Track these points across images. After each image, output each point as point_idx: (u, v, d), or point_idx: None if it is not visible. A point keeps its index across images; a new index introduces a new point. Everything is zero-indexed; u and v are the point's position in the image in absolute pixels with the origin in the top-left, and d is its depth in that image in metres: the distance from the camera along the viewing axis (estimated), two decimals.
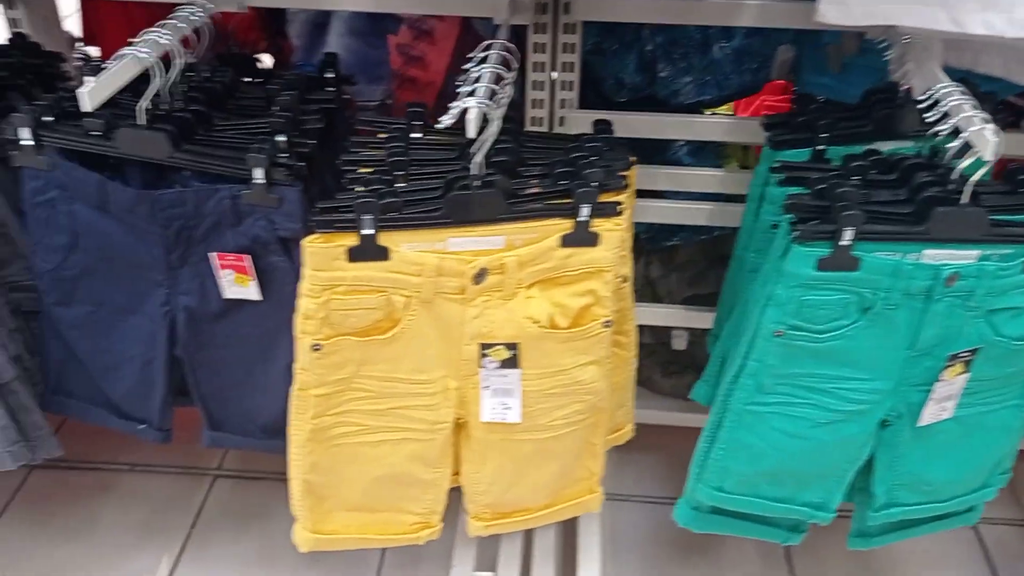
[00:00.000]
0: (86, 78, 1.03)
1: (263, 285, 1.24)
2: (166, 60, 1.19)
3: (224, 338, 1.30)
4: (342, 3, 1.44)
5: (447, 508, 1.30)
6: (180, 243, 1.22)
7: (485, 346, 1.13)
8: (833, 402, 1.12)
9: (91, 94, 1.03)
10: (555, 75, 1.41)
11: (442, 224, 1.07)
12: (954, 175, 1.07)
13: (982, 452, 1.23)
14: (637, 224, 1.37)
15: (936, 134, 1.07)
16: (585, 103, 1.45)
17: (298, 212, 1.18)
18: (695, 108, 1.57)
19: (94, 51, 1.92)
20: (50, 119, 1.20)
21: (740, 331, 1.15)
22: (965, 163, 1.04)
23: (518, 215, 1.08)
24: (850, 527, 1.32)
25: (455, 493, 1.30)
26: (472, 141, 1.12)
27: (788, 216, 1.09)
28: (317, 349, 1.10)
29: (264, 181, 1.15)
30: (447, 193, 1.07)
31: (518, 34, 1.32)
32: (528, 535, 1.53)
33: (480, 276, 1.09)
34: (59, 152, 1.22)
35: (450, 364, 1.15)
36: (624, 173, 1.15)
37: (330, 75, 1.40)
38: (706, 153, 1.63)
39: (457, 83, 1.10)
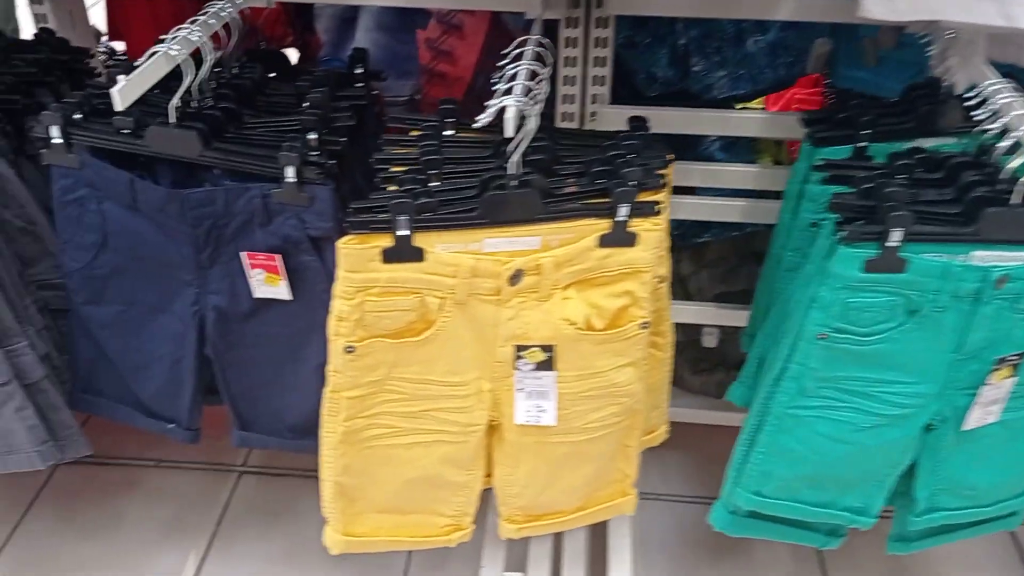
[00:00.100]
0: (119, 77, 1.01)
1: (293, 284, 1.22)
2: (195, 56, 1.17)
3: (254, 338, 1.29)
4: None
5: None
6: (210, 242, 1.21)
7: (520, 348, 1.12)
8: (877, 406, 1.10)
9: (122, 93, 1.02)
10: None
11: (478, 225, 1.05)
12: (1003, 174, 1.04)
13: None
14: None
15: (983, 131, 1.04)
16: (615, 97, 1.42)
17: (329, 211, 1.16)
18: (727, 102, 1.55)
19: (119, 46, 1.91)
20: (79, 116, 1.19)
21: (780, 332, 1.13)
22: (1016, 162, 1.01)
23: (555, 215, 1.06)
24: (885, 528, 1.29)
25: (484, 493, 1.29)
26: (507, 139, 1.11)
27: (830, 215, 1.07)
28: (350, 351, 1.08)
29: (295, 180, 1.13)
30: (483, 193, 1.05)
31: (549, 28, 1.30)
32: (558, 535, 1.52)
33: (516, 277, 1.07)
34: (88, 150, 1.20)
35: (484, 366, 1.14)
36: (662, 171, 1.13)
37: (359, 71, 1.39)
38: (739, 148, 1.60)
39: (492, 80, 1.08)
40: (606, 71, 1.40)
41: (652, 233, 1.09)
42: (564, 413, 1.16)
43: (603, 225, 1.08)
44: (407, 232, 1.02)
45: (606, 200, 1.07)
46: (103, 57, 1.59)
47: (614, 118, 1.42)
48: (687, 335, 1.78)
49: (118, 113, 1.13)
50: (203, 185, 1.22)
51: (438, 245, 1.05)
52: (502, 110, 1.00)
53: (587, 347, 1.12)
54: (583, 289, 1.11)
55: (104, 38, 1.89)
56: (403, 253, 1.04)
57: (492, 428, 1.20)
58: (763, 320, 1.36)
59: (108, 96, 1.18)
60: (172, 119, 1.15)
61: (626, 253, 1.09)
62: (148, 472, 1.84)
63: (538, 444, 1.19)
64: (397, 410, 1.15)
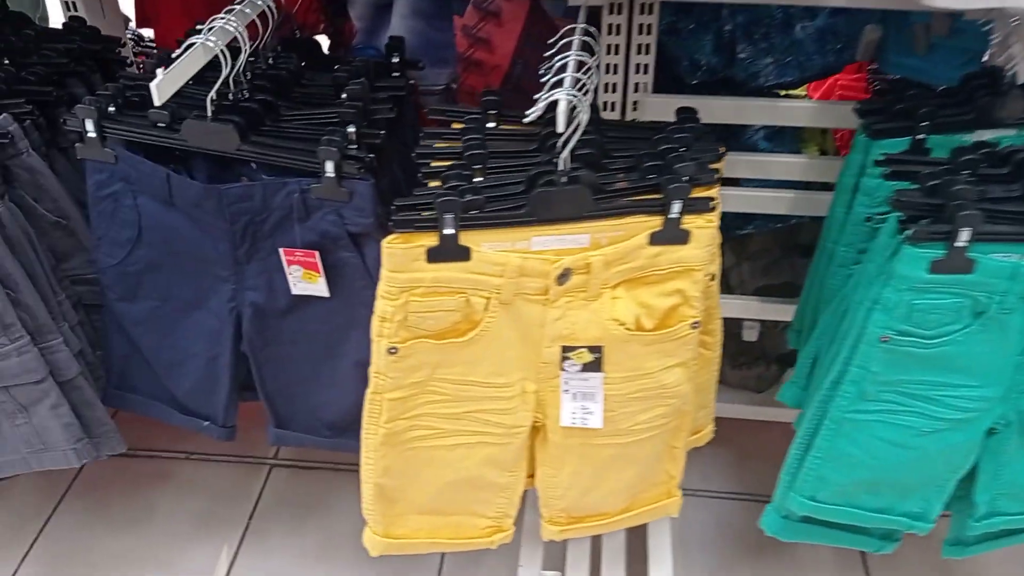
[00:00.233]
0: (157, 70, 0.98)
1: (331, 281, 1.20)
2: (229, 46, 1.14)
3: (291, 334, 1.26)
4: None
5: None
6: (247, 238, 1.18)
7: (567, 349, 1.08)
8: (939, 410, 1.06)
9: (160, 87, 0.99)
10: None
11: (526, 223, 1.02)
12: None
13: None
14: None
15: None
16: (656, 85, 1.38)
17: (369, 207, 1.13)
18: (770, 91, 1.50)
19: (147, 32, 1.88)
20: (113, 110, 1.16)
21: (837, 333, 1.09)
22: None
23: (606, 212, 1.03)
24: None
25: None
26: (552, 132, 1.07)
27: (886, 211, 1.03)
28: (393, 352, 1.05)
29: (334, 175, 1.10)
30: (530, 189, 1.02)
31: (592, 15, 1.25)
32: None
33: (564, 277, 1.04)
34: (123, 143, 1.18)
35: (529, 367, 1.10)
36: (716, 165, 1.09)
37: (395, 60, 1.35)
38: (783, 137, 1.55)
39: (539, 71, 1.04)
40: (649, 59, 1.36)
41: (705, 230, 1.05)
42: (611, 415, 1.13)
43: (654, 222, 1.04)
44: (453, 231, 0.99)
45: (658, 196, 1.03)
46: (131, 42, 1.56)
47: (656, 107, 1.37)
48: (726, 329, 1.74)
49: (153, 106, 1.10)
50: (239, 179, 1.19)
51: (484, 244, 1.02)
52: (552, 103, 0.97)
53: (636, 348, 1.09)
54: (632, 288, 1.07)
55: (131, 24, 1.86)
56: (448, 252, 1.00)
57: (536, 429, 1.17)
58: (812, 316, 1.32)
59: (142, 87, 1.16)
60: (209, 112, 1.12)
61: (678, 251, 1.05)
62: (179, 464, 1.83)
63: (583, 446, 1.16)
64: (440, 411, 1.12)
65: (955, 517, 1.22)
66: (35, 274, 1.23)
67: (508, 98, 1.19)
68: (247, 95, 1.19)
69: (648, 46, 1.34)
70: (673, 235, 1.04)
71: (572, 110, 0.98)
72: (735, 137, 1.53)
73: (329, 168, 1.10)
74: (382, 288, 1.02)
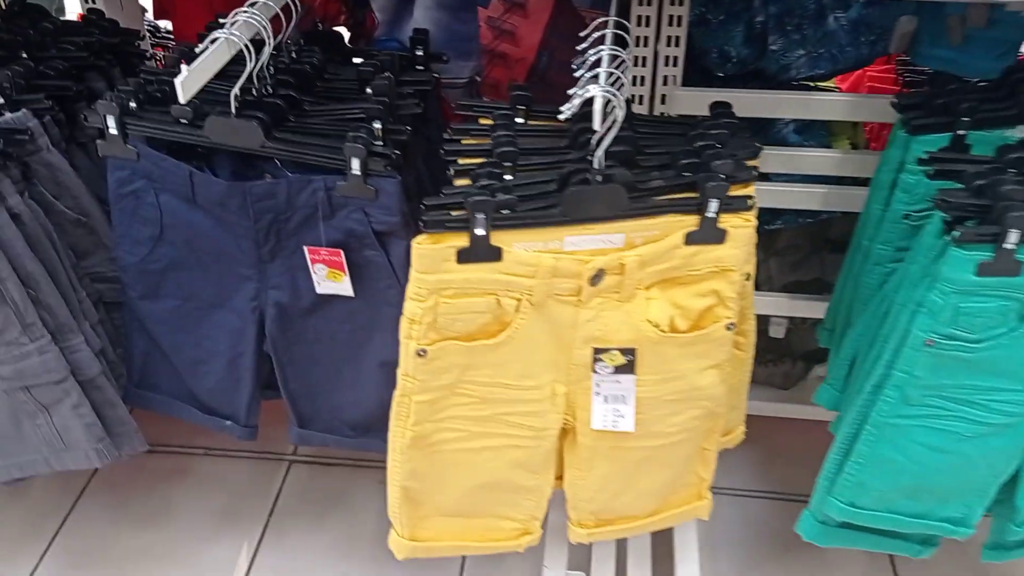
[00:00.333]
0: (182, 67, 0.96)
1: (355, 280, 1.18)
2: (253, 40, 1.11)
3: (315, 334, 1.24)
4: None
5: None
6: (271, 236, 1.16)
7: (599, 351, 1.06)
8: (983, 414, 1.03)
9: (185, 84, 0.96)
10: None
11: (559, 222, 0.99)
12: None
13: None
14: None
15: None
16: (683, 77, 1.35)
17: (395, 205, 1.11)
18: (800, 83, 1.46)
19: (162, 24, 1.86)
20: (134, 106, 1.14)
21: (878, 335, 1.06)
22: None
23: (641, 211, 1.00)
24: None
25: None
26: (583, 128, 1.04)
27: (924, 208, 1.00)
28: (422, 355, 1.03)
29: (360, 172, 1.08)
30: (563, 188, 0.99)
31: (620, 6, 1.22)
32: None
33: (597, 277, 1.01)
34: (144, 140, 1.15)
35: (559, 369, 1.08)
36: (753, 163, 1.06)
37: (419, 53, 1.32)
38: (813, 131, 1.52)
39: (573, 66, 1.01)
40: (679, 51, 1.33)
41: (742, 230, 1.02)
42: (642, 417, 1.10)
43: (690, 221, 1.01)
44: (484, 232, 0.96)
45: (694, 195, 1.00)
46: (149, 32, 1.53)
47: (686, 101, 1.35)
48: None
49: (176, 102, 1.08)
50: (262, 176, 1.17)
51: (516, 244, 0.99)
52: (586, 100, 0.94)
53: (670, 350, 1.07)
54: (667, 288, 1.05)
55: (147, 15, 1.83)
56: (479, 253, 0.98)
57: (565, 431, 1.15)
58: (846, 315, 1.29)
59: (163, 82, 1.14)
60: (233, 109, 1.09)
61: (714, 251, 1.03)
62: (197, 460, 1.82)
63: (613, 449, 1.14)
64: (467, 414, 1.10)
65: (995, 521, 1.20)
66: (56, 272, 1.21)
67: (534, 92, 1.16)
68: (270, 90, 1.16)
69: (678, 38, 1.31)
70: (710, 235, 1.02)
71: (607, 106, 0.96)
72: (764, 130, 1.50)
73: (355, 166, 1.07)
74: (411, 289, 1.00)
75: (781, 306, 1.55)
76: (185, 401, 1.37)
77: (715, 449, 1.22)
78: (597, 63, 0.99)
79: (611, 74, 0.98)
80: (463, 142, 1.11)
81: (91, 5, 1.50)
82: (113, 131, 1.12)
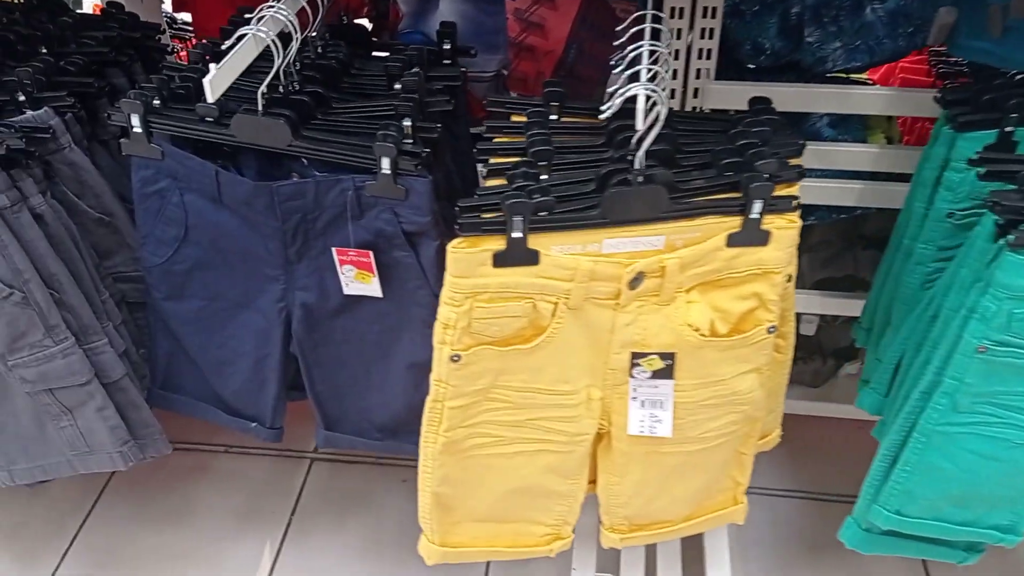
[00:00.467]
0: (210, 65, 0.93)
1: (384, 281, 1.15)
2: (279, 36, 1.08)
3: (342, 335, 1.22)
4: None
5: None
6: (298, 236, 1.14)
7: (637, 355, 1.03)
8: None
9: (213, 83, 0.94)
10: None
11: (598, 224, 0.96)
12: None
13: None
14: None
15: None
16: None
17: (426, 205, 1.08)
18: (835, 76, 1.43)
19: (179, 15, 1.83)
20: (158, 103, 1.11)
21: (926, 340, 1.03)
22: None
23: (682, 213, 0.97)
24: None
25: None
26: (620, 125, 1.01)
27: (969, 206, 0.97)
28: (456, 360, 1.00)
29: (390, 172, 1.05)
30: (603, 189, 0.96)
31: None
32: None
33: (636, 280, 0.98)
34: (169, 138, 1.13)
35: (595, 373, 1.05)
36: (796, 161, 1.03)
37: (447, 47, 1.29)
38: (849, 125, 1.48)
39: (611, 62, 0.98)
40: (713, 43, 1.29)
41: (786, 231, 0.99)
42: (680, 422, 1.08)
43: (733, 222, 0.98)
44: (522, 234, 0.93)
45: (737, 195, 0.97)
46: (168, 24, 1.50)
47: (719, 95, 1.31)
48: None
49: (200, 100, 1.05)
50: (289, 175, 1.14)
51: (553, 247, 0.96)
52: (626, 98, 0.91)
53: (710, 354, 1.04)
54: (707, 291, 1.02)
55: (164, 5, 1.80)
56: (516, 256, 0.95)
57: (600, 436, 1.12)
58: (884, 315, 1.26)
59: (186, 78, 1.11)
60: (260, 107, 1.07)
61: (757, 253, 1.00)
62: (218, 458, 1.80)
63: (649, 454, 1.12)
64: (501, 419, 1.08)
65: None
66: (79, 273, 1.19)
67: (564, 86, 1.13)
68: (297, 87, 1.14)
69: (712, 30, 1.28)
70: (753, 236, 0.98)
71: (648, 104, 0.93)
72: (797, 124, 1.46)
73: (385, 165, 1.05)
74: (446, 294, 0.97)
75: (813, 303, 1.52)
76: (209, 402, 1.35)
77: (752, 453, 1.19)
78: (636, 59, 0.96)
79: (652, 70, 0.94)
80: (496, 140, 1.08)
81: None
82: (138, 129, 1.10)
